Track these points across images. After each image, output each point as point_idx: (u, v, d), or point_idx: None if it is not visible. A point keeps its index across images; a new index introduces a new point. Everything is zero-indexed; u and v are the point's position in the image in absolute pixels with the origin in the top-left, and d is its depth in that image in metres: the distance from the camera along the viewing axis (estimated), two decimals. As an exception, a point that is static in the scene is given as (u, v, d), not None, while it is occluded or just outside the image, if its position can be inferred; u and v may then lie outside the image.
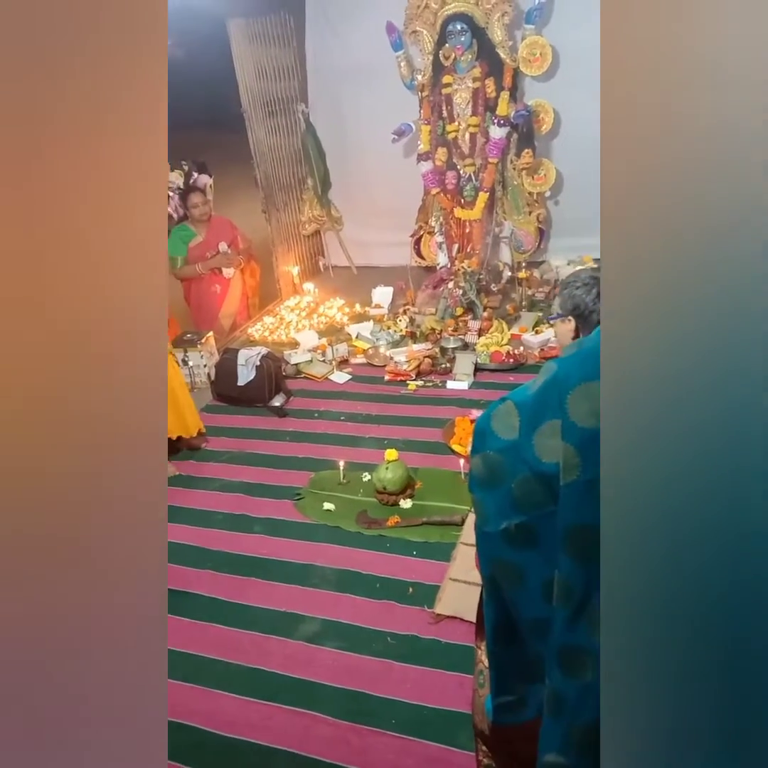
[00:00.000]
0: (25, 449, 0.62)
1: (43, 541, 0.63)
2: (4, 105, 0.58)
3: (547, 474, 0.84)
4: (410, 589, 2.10)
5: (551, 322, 1.65)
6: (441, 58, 4.11)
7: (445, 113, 4.21)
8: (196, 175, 8.86)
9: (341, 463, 2.72)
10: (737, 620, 0.65)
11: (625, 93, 0.63)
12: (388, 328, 4.02)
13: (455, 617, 1.97)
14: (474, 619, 1.93)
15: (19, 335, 0.61)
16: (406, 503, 2.50)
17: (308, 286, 4.83)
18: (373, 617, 2.03)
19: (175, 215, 7.94)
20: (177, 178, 8.38)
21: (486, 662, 1.37)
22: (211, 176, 9.10)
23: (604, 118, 0.64)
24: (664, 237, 0.64)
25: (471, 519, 2.31)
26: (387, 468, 2.52)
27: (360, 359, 3.80)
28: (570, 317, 1.58)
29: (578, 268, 1.72)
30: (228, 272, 3.96)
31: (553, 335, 3.37)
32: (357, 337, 3.97)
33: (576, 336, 1.59)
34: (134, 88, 0.66)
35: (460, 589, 2.05)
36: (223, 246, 3.93)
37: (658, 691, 0.66)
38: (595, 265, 1.62)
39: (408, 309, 4.17)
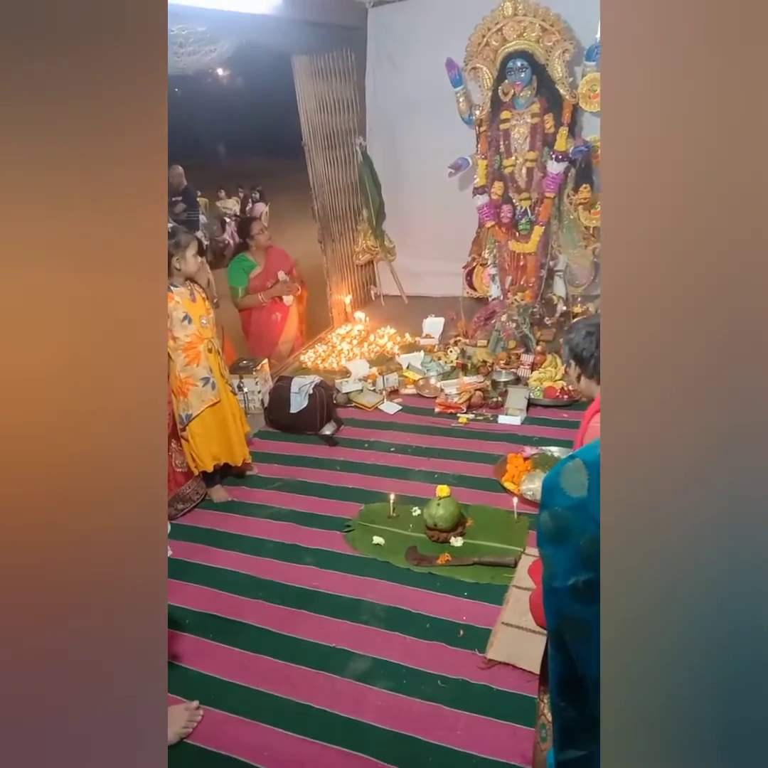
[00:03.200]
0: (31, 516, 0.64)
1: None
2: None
3: None
4: (461, 632, 2.07)
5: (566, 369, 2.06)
6: (500, 94, 4.15)
7: (502, 148, 4.24)
8: (251, 203, 9.04)
9: (391, 497, 2.71)
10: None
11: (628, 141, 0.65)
12: (439, 359, 4.02)
13: (507, 664, 1.93)
14: (527, 667, 1.91)
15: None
16: (456, 541, 2.47)
17: (360, 314, 4.89)
18: (423, 658, 2.00)
19: (230, 241, 8.13)
20: (233, 205, 8.62)
21: (548, 716, 1.34)
22: (266, 204, 9.25)
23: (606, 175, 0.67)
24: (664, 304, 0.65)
25: (524, 562, 2.27)
26: (438, 504, 2.49)
27: (410, 390, 3.80)
28: (572, 363, 1.92)
29: (579, 319, 2.05)
30: (288, 300, 4.04)
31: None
32: (408, 367, 3.98)
33: (579, 379, 1.94)
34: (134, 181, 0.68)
35: (512, 634, 2.01)
36: (281, 274, 4.01)
37: None
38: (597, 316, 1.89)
39: (459, 340, 4.17)
